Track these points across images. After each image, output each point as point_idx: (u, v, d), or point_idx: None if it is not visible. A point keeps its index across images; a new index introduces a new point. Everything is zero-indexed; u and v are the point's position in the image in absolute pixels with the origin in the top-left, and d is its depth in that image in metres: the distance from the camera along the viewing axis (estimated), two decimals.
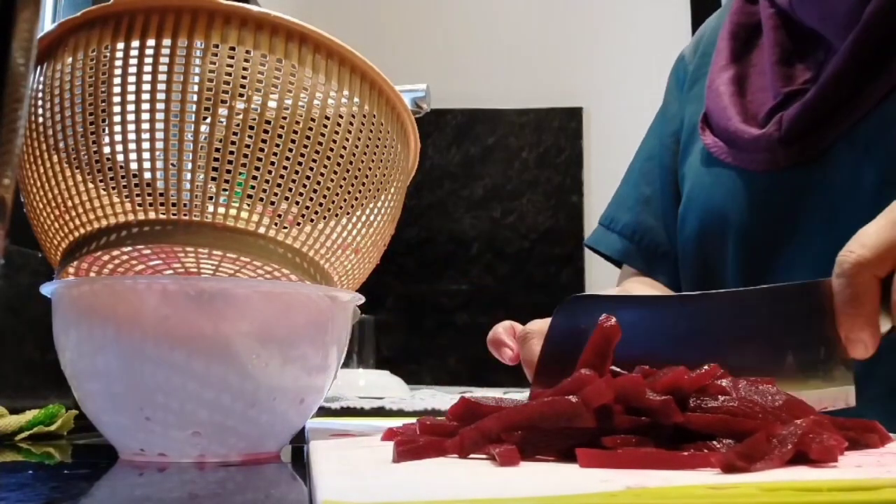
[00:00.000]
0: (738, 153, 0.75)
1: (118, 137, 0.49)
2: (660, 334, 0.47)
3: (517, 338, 0.63)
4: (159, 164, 0.48)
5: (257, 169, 0.49)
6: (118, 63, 0.48)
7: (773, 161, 0.72)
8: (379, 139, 0.54)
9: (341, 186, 0.51)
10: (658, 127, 0.92)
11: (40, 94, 0.51)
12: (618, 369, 0.45)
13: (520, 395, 0.60)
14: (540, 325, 0.62)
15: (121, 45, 0.49)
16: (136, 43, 0.48)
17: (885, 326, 0.50)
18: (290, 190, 0.50)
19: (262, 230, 0.50)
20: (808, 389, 0.50)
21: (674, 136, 0.88)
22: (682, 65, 0.92)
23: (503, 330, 0.66)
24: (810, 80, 0.72)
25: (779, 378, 0.50)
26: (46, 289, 0.51)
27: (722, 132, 0.77)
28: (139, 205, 0.49)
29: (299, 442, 0.57)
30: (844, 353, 0.50)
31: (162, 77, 0.48)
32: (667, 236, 0.87)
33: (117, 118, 0.48)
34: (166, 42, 0.48)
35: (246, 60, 0.49)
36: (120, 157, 0.49)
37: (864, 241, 0.50)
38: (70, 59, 0.50)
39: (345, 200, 0.52)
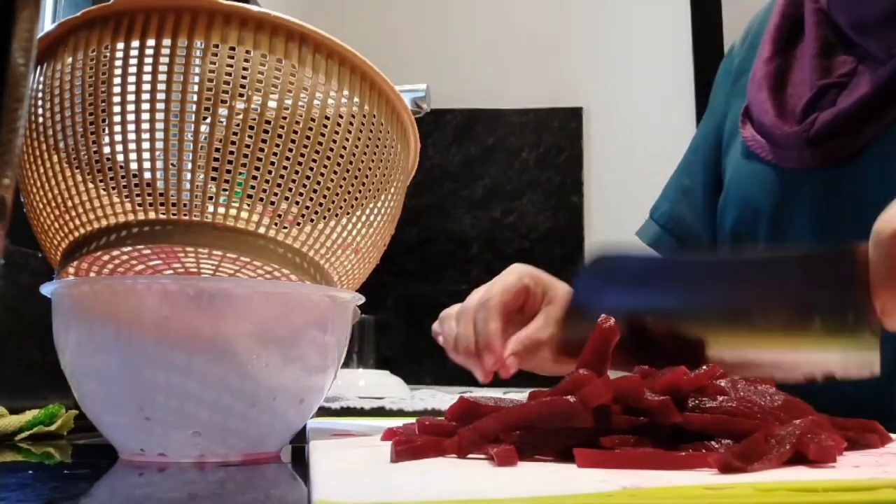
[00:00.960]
0: (772, 148, 0.76)
1: (118, 137, 0.49)
2: (688, 292, 0.47)
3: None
4: (159, 164, 0.48)
5: (257, 169, 0.49)
6: (118, 63, 0.48)
7: (802, 160, 0.73)
8: (379, 139, 0.54)
9: (341, 186, 0.52)
10: (705, 119, 0.93)
11: (40, 94, 0.51)
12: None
13: (519, 395, 0.60)
14: (452, 310, 0.72)
15: (121, 45, 0.49)
16: (136, 43, 0.48)
17: None
18: (290, 190, 0.50)
19: (262, 230, 0.50)
20: (833, 353, 0.50)
21: (717, 129, 0.89)
22: (731, 57, 0.92)
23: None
24: (847, 73, 0.73)
25: (805, 340, 0.49)
26: (46, 289, 0.52)
27: (759, 126, 0.78)
28: (139, 205, 0.49)
29: (299, 442, 0.57)
30: (876, 322, 0.50)
31: (162, 77, 0.48)
32: (702, 227, 0.87)
33: (117, 118, 0.48)
34: (166, 42, 0.48)
35: (246, 60, 0.49)
36: (120, 157, 0.49)
37: None
38: (70, 59, 0.50)
39: (345, 200, 0.52)
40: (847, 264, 0.50)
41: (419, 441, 0.41)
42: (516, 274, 0.73)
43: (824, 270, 0.52)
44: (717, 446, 0.38)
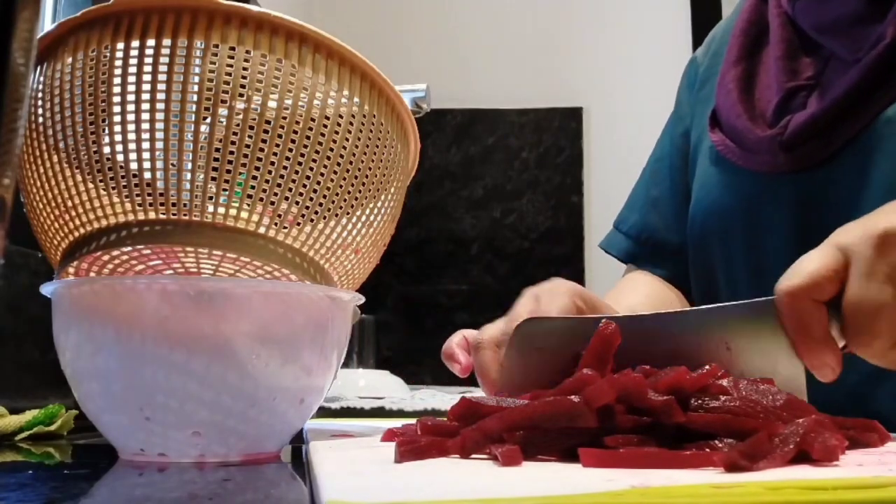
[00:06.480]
0: (743, 152, 0.75)
1: (118, 137, 0.49)
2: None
3: (471, 347, 0.61)
4: (159, 164, 0.48)
5: (257, 169, 0.49)
6: (118, 63, 0.48)
7: (775, 164, 0.72)
8: (379, 139, 0.53)
9: (341, 186, 0.51)
10: (669, 128, 0.93)
11: (40, 94, 0.51)
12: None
13: None
14: (491, 333, 0.59)
15: (121, 45, 0.49)
16: (136, 43, 0.48)
17: (841, 343, 0.49)
18: (290, 190, 0.50)
19: (262, 230, 0.50)
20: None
21: (683, 137, 0.89)
22: (694, 66, 0.92)
23: (456, 342, 0.64)
24: (814, 75, 0.72)
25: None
26: (46, 289, 0.51)
27: (730, 130, 0.77)
28: (139, 205, 0.49)
29: (299, 442, 0.57)
30: (801, 368, 0.50)
31: (162, 77, 0.48)
32: (674, 236, 0.87)
33: (117, 118, 0.48)
34: (166, 42, 0.48)
35: (246, 60, 0.49)
36: (120, 157, 0.49)
37: (798, 269, 0.49)
38: (70, 59, 0.50)
39: (345, 200, 0.52)
40: (763, 318, 0.49)
41: (423, 441, 0.41)
42: (567, 295, 0.62)
43: (742, 326, 0.51)
44: (720, 445, 0.38)
